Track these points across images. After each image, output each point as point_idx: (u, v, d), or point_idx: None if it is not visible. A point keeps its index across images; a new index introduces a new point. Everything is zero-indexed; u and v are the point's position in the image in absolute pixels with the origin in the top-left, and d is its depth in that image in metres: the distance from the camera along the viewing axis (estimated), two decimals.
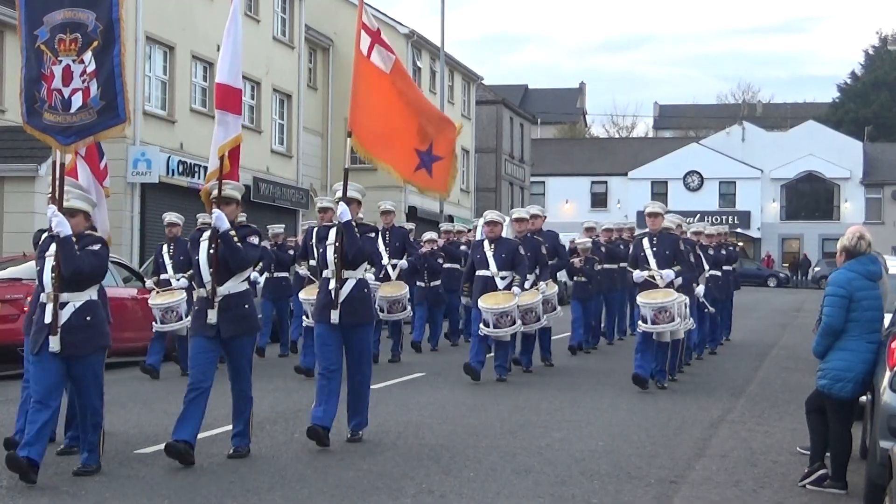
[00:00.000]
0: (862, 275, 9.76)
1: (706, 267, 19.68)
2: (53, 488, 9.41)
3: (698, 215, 55.82)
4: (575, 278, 21.69)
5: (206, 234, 10.74)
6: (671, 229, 16.46)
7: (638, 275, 15.99)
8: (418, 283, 21.86)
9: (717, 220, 54.29)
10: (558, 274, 20.13)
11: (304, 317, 17.34)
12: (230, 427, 11.10)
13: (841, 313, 9.65)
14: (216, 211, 10.62)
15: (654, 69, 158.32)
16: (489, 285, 16.60)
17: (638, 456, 11.12)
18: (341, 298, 11.35)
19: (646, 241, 16.13)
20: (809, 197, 79.73)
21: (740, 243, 73.75)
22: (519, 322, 16.72)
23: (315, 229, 14.54)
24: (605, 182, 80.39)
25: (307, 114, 44.33)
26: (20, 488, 9.26)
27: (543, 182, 79.47)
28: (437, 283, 21.96)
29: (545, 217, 19.23)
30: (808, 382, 13.58)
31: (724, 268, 22.59)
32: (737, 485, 9.93)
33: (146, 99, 33.53)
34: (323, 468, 10.27)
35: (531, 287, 17.19)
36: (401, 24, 50.11)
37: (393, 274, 19.69)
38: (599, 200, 79.08)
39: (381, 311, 18.83)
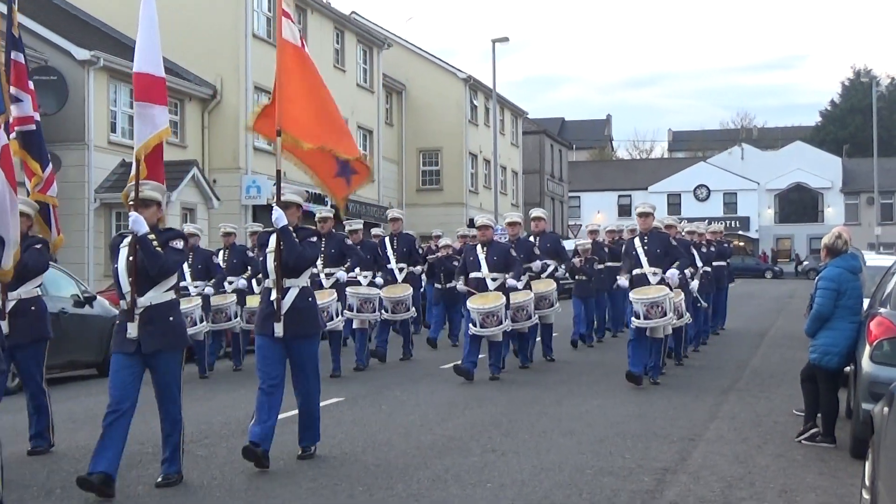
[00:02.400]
0: (847, 269, 9.75)
1: (700, 264, 17.66)
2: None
3: (707, 221, 55.24)
4: (576, 277, 19.57)
5: (127, 239, 7.98)
6: (661, 228, 14.54)
7: (622, 282, 14.12)
8: (435, 285, 20.86)
9: (721, 224, 53.59)
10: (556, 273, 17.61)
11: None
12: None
13: (830, 303, 9.63)
14: (132, 214, 7.85)
15: (668, 101, 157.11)
16: (481, 286, 14.63)
17: (662, 419, 11.06)
18: (284, 309, 8.75)
19: (637, 241, 13.95)
20: (798, 204, 79.05)
21: (741, 243, 73.33)
22: (507, 322, 14.56)
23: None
24: (630, 196, 79.81)
25: (385, 145, 44.47)
26: None
27: (579, 197, 79.38)
28: (453, 284, 19.53)
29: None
30: (801, 357, 13.44)
31: (715, 263, 20.18)
32: (744, 441, 9.85)
33: (255, 137, 33.84)
34: (405, 434, 10.25)
35: (524, 286, 15.52)
36: (459, 70, 50.06)
37: (399, 277, 17.62)
38: (625, 211, 78.36)
39: (386, 311, 16.70)
